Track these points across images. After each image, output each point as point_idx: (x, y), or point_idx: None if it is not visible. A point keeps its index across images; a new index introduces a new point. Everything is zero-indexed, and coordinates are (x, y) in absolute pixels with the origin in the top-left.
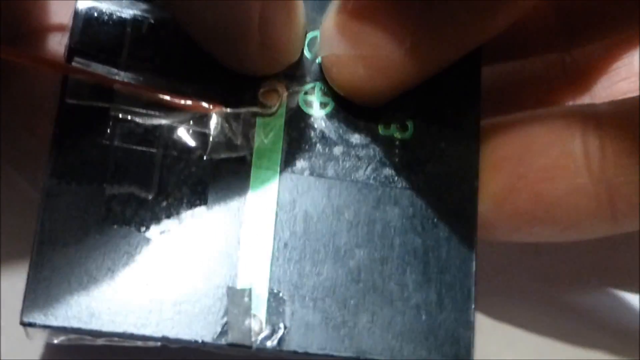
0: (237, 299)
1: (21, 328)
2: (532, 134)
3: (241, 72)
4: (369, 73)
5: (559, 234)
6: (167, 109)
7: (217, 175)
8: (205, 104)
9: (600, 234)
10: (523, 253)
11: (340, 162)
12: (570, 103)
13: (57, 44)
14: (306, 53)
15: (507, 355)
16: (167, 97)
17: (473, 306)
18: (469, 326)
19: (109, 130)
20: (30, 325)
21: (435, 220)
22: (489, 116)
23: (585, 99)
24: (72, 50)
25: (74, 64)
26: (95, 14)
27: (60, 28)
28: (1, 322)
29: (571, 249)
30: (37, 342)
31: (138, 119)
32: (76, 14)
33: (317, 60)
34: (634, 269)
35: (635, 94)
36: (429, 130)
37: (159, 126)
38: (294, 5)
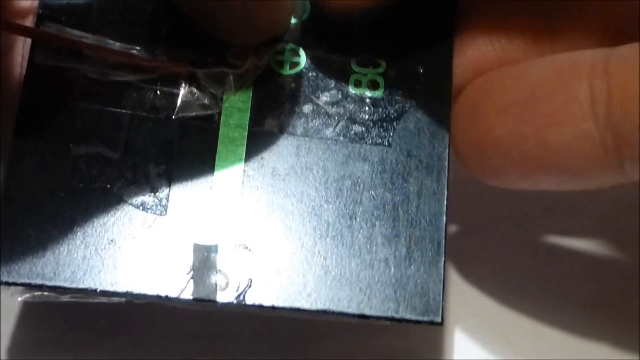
0: (203, 255)
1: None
2: (539, 78)
3: (229, 42)
4: None
5: (566, 182)
6: (136, 70)
7: (185, 134)
8: (173, 65)
9: (607, 182)
10: (523, 253)
11: (310, 120)
12: None
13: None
14: None
15: (507, 355)
16: (135, 58)
17: (443, 259)
18: (439, 279)
19: (76, 91)
20: (8, 284)
21: (405, 175)
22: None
23: None
24: (42, 15)
25: (43, 28)
26: None
27: None
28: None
29: (571, 249)
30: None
31: (106, 80)
32: None
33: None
34: (634, 268)
35: None
36: (400, 88)
37: (127, 87)
38: None
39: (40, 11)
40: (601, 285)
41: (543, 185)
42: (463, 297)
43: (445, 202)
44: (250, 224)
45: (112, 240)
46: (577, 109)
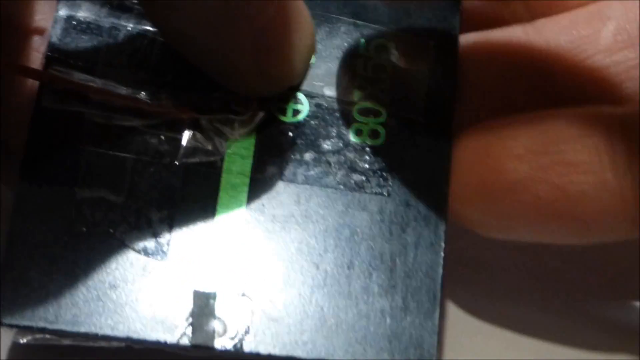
0: (202, 301)
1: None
2: (556, 127)
3: (241, 93)
4: None
5: (577, 233)
6: (140, 114)
7: (187, 180)
8: (177, 110)
9: (620, 236)
10: (523, 253)
11: (311, 168)
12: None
13: (37, 45)
14: None
15: (508, 355)
16: (141, 103)
17: (438, 311)
18: (434, 330)
19: (82, 135)
20: (10, 326)
21: (404, 225)
22: None
23: None
24: (50, 58)
25: (51, 71)
26: (74, 22)
27: (39, 31)
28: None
29: (571, 249)
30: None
31: (111, 124)
32: (55, 22)
33: None
34: (635, 268)
35: None
36: (400, 137)
37: (132, 131)
38: (295, 31)
39: (49, 54)
40: (601, 285)
41: (552, 236)
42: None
43: (442, 253)
44: (250, 271)
45: (113, 285)
46: (597, 159)
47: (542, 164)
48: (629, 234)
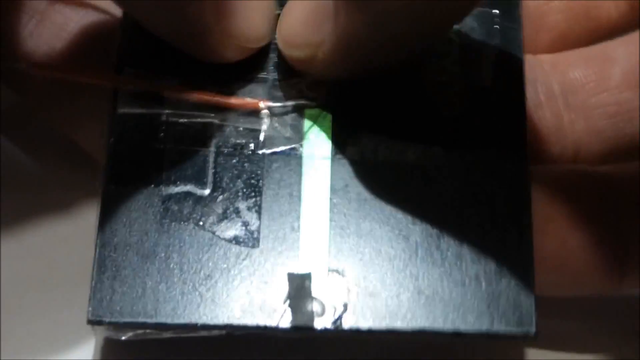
0: (297, 284)
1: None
2: (553, 184)
3: (215, 61)
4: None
5: (570, 285)
6: (217, 108)
7: (270, 167)
8: (253, 101)
9: (599, 291)
10: None
11: (390, 145)
12: None
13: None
14: None
15: (508, 354)
16: (216, 98)
17: (533, 271)
18: (530, 292)
19: (161, 135)
20: (98, 323)
21: (488, 192)
22: None
23: None
24: (122, 61)
25: (123, 75)
26: (124, 9)
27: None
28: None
29: None
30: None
31: (189, 121)
32: (123, 24)
33: None
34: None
35: None
36: (475, 107)
37: (210, 126)
38: None
39: (121, 56)
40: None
41: (547, 288)
42: None
43: (531, 219)
44: (341, 249)
45: (208, 275)
46: (593, 218)
47: (548, 215)
48: (610, 288)
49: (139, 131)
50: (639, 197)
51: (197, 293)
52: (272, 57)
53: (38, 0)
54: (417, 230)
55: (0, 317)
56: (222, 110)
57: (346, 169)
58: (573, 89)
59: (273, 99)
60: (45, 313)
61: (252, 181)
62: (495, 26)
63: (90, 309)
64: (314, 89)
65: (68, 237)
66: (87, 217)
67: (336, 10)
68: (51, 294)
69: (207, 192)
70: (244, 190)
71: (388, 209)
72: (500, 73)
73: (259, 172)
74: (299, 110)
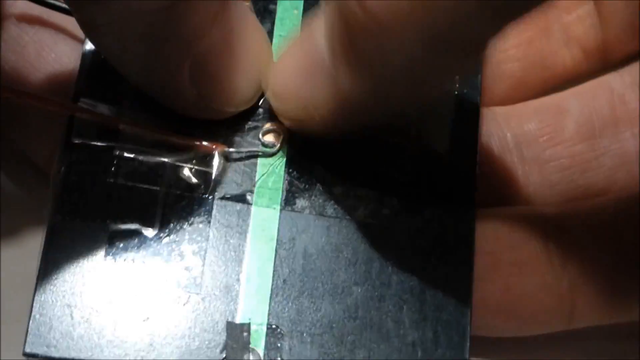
0: (236, 334)
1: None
2: (499, 230)
3: (188, 116)
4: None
5: (516, 328)
6: (171, 148)
7: (218, 213)
8: (208, 144)
9: (552, 329)
10: None
11: (340, 201)
12: None
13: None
14: None
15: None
16: (171, 137)
17: (468, 344)
18: None
19: (113, 169)
20: (33, 356)
21: (433, 260)
22: None
23: None
24: (79, 91)
25: (80, 104)
26: (102, 56)
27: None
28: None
29: None
30: None
31: (142, 158)
32: (83, 55)
33: None
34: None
35: None
36: (428, 174)
37: (163, 165)
38: (242, 57)
39: (79, 86)
40: None
41: (493, 331)
42: None
43: (472, 287)
44: (282, 303)
45: (147, 317)
46: (537, 261)
47: (490, 264)
48: (562, 327)
49: (90, 163)
50: (585, 234)
51: (135, 334)
52: None
53: None
54: (359, 291)
55: (0, 317)
56: (177, 149)
57: (294, 222)
58: (527, 141)
59: (229, 143)
60: None
61: (200, 225)
62: (454, 92)
63: (26, 341)
64: (271, 137)
65: None
66: None
67: (335, 73)
68: None
69: (153, 232)
70: (191, 233)
71: (332, 267)
72: (455, 139)
73: (207, 216)
74: (253, 158)
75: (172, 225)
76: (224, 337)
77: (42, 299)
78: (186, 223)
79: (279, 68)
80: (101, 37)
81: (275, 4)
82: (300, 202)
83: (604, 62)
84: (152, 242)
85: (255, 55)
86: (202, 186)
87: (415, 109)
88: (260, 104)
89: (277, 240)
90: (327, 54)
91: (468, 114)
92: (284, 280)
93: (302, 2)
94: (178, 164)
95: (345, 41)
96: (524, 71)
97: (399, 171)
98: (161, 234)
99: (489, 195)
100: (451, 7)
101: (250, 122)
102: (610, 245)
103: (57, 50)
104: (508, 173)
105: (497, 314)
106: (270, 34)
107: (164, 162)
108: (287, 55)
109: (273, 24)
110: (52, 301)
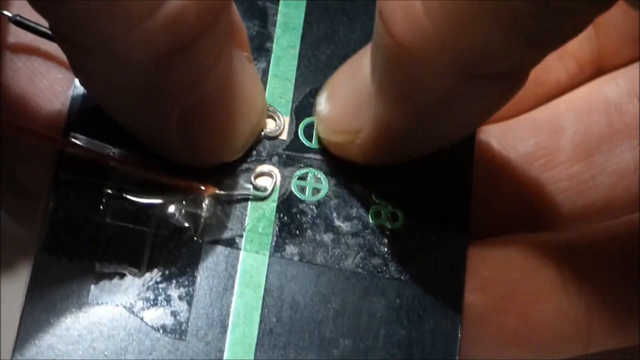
0: None
1: None
2: (512, 259)
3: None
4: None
5: (533, 355)
6: (161, 188)
7: (207, 257)
8: (198, 185)
9: (568, 356)
10: None
11: (330, 250)
12: None
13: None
14: (302, 139)
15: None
16: (161, 177)
17: None
18: None
19: (101, 207)
20: None
21: (421, 313)
22: None
23: None
24: (69, 125)
25: (70, 138)
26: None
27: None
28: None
29: None
30: None
31: (131, 197)
32: (75, 88)
33: (311, 146)
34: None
35: None
36: (419, 222)
37: (152, 205)
38: (234, 109)
39: (69, 121)
40: None
41: (509, 357)
42: None
43: (459, 342)
44: (267, 353)
45: None
46: (553, 289)
47: (505, 293)
48: (579, 353)
49: (79, 200)
50: (598, 258)
51: None
52: None
53: None
54: (346, 343)
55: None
56: (166, 190)
57: (283, 269)
58: (524, 164)
59: (220, 185)
60: None
61: (187, 269)
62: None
63: None
64: (263, 181)
65: None
66: None
67: (376, 100)
68: None
69: (140, 274)
70: (178, 277)
71: (320, 317)
72: (447, 188)
73: (195, 260)
74: (244, 201)
75: (159, 268)
76: None
77: (24, 338)
78: (174, 266)
79: (328, 91)
80: (90, 81)
81: (272, 42)
82: (290, 249)
83: (598, 73)
84: (138, 285)
85: (248, 108)
86: (192, 229)
87: (450, 141)
88: (253, 146)
89: (265, 287)
90: (370, 82)
91: (461, 164)
92: (270, 330)
93: (300, 40)
94: (167, 204)
95: (382, 70)
96: None
97: (391, 220)
98: (148, 277)
99: (491, 222)
100: (479, 36)
101: (243, 165)
102: (622, 267)
103: (49, 77)
104: (508, 199)
105: (513, 344)
106: (265, 72)
107: (153, 202)
108: (336, 80)
109: (269, 63)
110: (34, 340)
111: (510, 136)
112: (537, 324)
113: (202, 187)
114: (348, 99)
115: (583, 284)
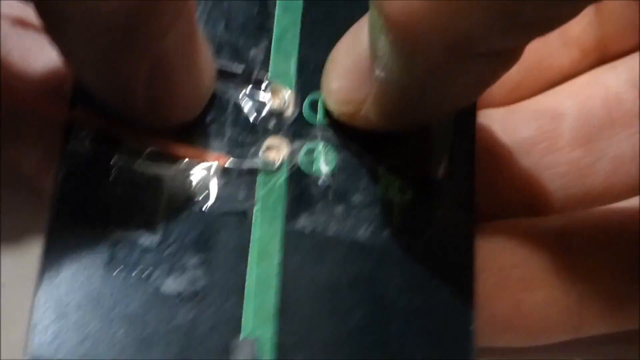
0: (240, 353)
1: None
2: (505, 246)
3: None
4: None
5: (524, 340)
6: (172, 158)
7: (219, 227)
8: (211, 155)
9: (559, 340)
10: None
11: (341, 222)
12: None
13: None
14: (308, 114)
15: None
16: (172, 147)
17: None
18: None
19: (112, 179)
20: None
21: (433, 284)
22: None
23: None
24: (76, 96)
25: (77, 111)
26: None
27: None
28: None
29: None
30: None
31: (142, 168)
32: None
33: (317, 121)
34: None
35: None
36: (427, 196)
37: (164, 176)
38: (191, 58)
39: (76, 91)
40: None
41: (501, 343)
42: None
43: (472, 311)
44: (284, 325)
45: (149, 333)
46: (545, 276)
47: (498, 281)
48: (569, 337)
49: (89, 171)
50: (591, 244)
51: (136, 351)
52: (230, 113)
53: None
54: (363, 313)
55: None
56: (178, 160)
57: (294, 242)
58: (525, 149)
59: (232, 156)
60: None
61: (201, 239)
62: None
63: (28, 350)
64: (271, 154)
65: None
66: None
67: (375, 72)
68: None
69: (153, 244)
70: (192, 246)
71: (335, 287)
72: (453, 163)
73: (207, 231)
74: (254, 174)
75: (172, 238)
76: (227, 356)
77: (42, 307)
78: (187, 236)
79: (331, 64)
80: (61, 31)
81: (273, 20)
82: (302, 221)
83: (601, 60)
84: (152, 254)
85: (207, 61)
86: (203, 199)
87: (449, 111)
88: (260, 120)
89: (279, 258)
90: (368, 53)
91: (465, 139)
92: (287, 300)
93: (300, 17)
94: (179, 174)
95: (377, 46)
96: (521, 74)
97: (399, 194)
98: (161, 246)
99: (489, 205)
100: (472, 16)
101: (250, 138)
102: (615, 253)
103: (44, 54)
104: (508, 182)
105: (506, 330)
106: (268, 50)
107: (165, 173)
108: (337, 53)
109: (270, 40)
110: (51, 311)
111: (513, 121)
112: (530, 311)
113: (213, 158)
114: (350, 71)
115: (575, 271)
